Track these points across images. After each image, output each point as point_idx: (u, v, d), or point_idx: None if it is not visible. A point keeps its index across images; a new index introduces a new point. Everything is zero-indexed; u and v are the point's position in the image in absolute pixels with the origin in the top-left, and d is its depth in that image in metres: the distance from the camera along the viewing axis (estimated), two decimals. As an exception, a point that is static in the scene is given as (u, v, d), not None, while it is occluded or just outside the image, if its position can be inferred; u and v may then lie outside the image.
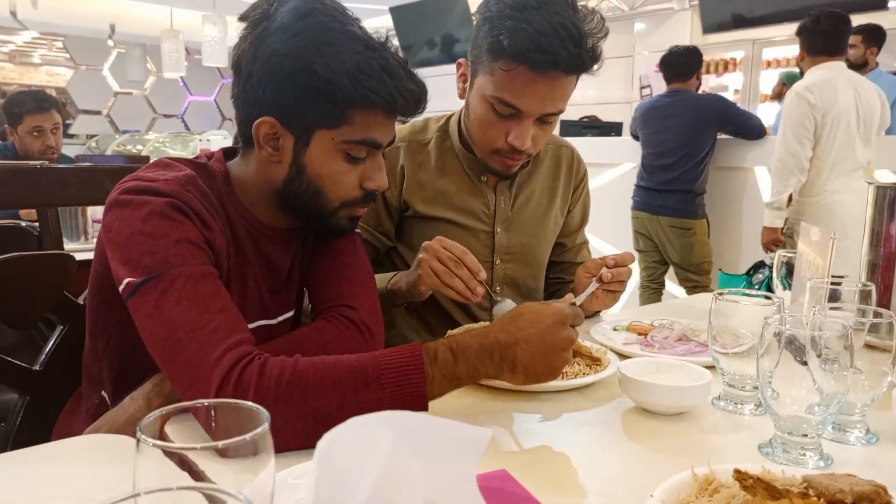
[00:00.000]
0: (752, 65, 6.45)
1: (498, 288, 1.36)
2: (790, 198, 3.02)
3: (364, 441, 0.43)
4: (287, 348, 0.90)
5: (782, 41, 5.92)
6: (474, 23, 1.20)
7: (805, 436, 0.75)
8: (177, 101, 10.64)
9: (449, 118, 1.36)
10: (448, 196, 1.30)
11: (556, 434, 0.83)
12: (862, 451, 0.79)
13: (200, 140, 7.15)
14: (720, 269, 3.54)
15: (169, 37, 7.75)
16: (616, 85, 7.30)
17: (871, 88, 3.00)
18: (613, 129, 4.92)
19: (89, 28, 8.87)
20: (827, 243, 1.10)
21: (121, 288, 0.79)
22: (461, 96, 1.25)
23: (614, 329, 1.24)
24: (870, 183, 1.23)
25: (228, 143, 7.01)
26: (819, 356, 0.76)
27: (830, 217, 2.89)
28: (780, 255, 1.30)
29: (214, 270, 0.83)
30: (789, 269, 1.28)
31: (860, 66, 3.72)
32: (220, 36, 7.37)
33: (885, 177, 3.16)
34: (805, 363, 0.77)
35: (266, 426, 0.44)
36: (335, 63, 0.83)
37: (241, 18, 0.90)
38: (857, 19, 4.14)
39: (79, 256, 1.17)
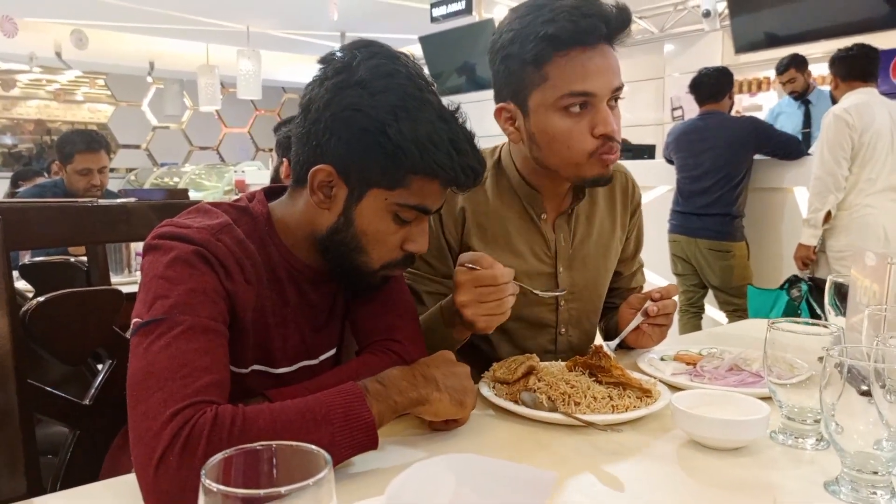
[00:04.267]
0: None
1: (563, 329, 1.31)
2: (828, 216, 3.09)
3: (429, 484, 0.42)
4: (332, 384, 0.90)
5: (816, 58, 5.84)
6: (497, 60, 1.16)
7: (875, 473, 0.71)
8: (212, 134, 10.93)
9: (499, 152, 1.30)
10: (508, 237, 1.25)
11: (611, 469, 0.81)
12: (935, 488, 0.75)
13: (235, 171, 7.32)
14: (750, 285, 3.48)
15: (205, 72, 7.99)
16: (647, 107, 7.27)
17: None
18: (646, 151, 4.88)
19: (129, 66, 9.19)
20: (884, 267, 1.06)
21: (131, 326, 0.79)
22: (516, 140, 1.20)
23: (661, 359, 1.21)
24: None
25: (262, 173, 7.17)
26: (883, 387, 0.73)
27: (863, 229, 3.04)
28: (830, 279, 1.26)
29: (221, 327, 0.81)
30: (841, 294, 1.24)
31: (806, 92, 4.34)
32: (255, 70, 7.57)
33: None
34: (867, 394, 0.74)
35: (328, 470, 0.44)
36: (408, 129, 0.83)
37: (322, 61, 0.91)
38: (886, 37, 4.15)
39: (124, 290, 1.19)
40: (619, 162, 1.22)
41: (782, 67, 4.37)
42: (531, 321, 1.29)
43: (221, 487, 0.42)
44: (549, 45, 1.08)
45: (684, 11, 6.38)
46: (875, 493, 0.71)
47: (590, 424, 0.91)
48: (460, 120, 0.90)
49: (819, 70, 6.05)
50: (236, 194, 6.83)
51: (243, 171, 7.23)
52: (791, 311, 3.28)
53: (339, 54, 0.90)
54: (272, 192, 1.00)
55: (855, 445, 0.73)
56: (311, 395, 0.78)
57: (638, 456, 0.85)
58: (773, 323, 0.92)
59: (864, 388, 0.75)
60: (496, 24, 6.32)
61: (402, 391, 0.83)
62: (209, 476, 0.43)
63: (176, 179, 7.77)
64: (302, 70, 10.06)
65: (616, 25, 1.10)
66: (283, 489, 0.42)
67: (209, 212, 0.90)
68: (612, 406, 0.95)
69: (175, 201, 1.35)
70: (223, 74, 8.18)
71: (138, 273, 2.46)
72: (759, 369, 1.11)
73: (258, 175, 7.01)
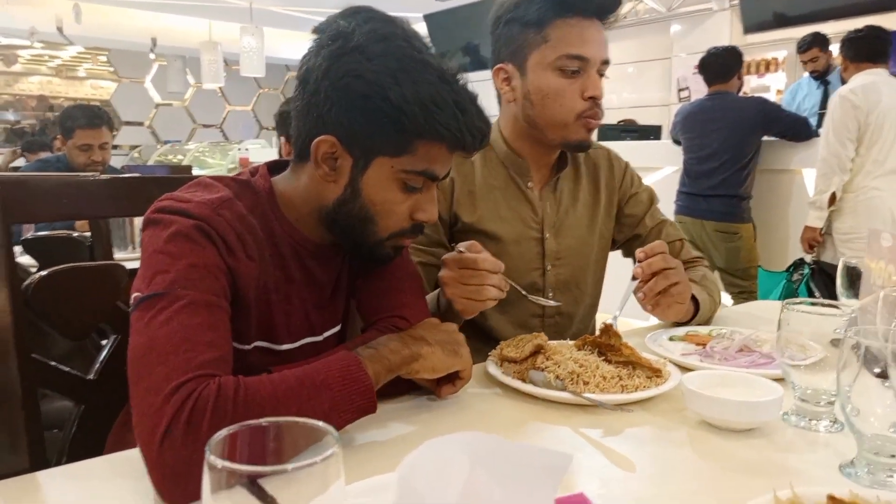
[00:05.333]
0: (795, 64, 6.28)
1: (551, 293, 1.35)
2: (833, 198, 3.08)
3: (442, 464, 0.40)
4: None
5: (834, 39, 5.77)
6: (500, 24, 1.28)
7: (893, 456, 0.70)
8: (216, 112, 10.85)
9: None
10: (496, 205, 1.32)
11: (622, 451, 0.79)
12: (952, 472, 0.74)
13: (239, 149, 7.28)
14: (760, 267, 3.47)
15: (208, 49, 7.92)
16: (653, 87, 7.18)
17: None
18: (652, 132, 4.83)
19: (132, 42, 9.11)
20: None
21: (131, 301, 0.78)
22: (510, 100, 1.30)
23: (670, 339, 1.20)
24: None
25: (267, 151, 7.13)
26: (900, 369, 0.71)
27: (870, 212, 3.02)
28: (843, 261, 1.24)
29: (222, 303, 0.79)
30: (853, 276, 1.22)
31: (826, 72, 4.26)
32: (258, 46, 7.50)
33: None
34: (882, 376, 0.72)
35: (337, 447, 0.42)
36: (410, 92, 0.81)
37: (316, 31, 0.89)
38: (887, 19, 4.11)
39: (128, 266, 1.18)
40: (598, 142, 1.36)
41: (805, 45, 4.32)
42: (519, 286, 1.29)
43: (227, 464, 0.41)
44: (552, 8, 1.20)
45: (693, -10, 6.29)
46: (892, 477, 0.70)
47: (599, 404, 0.90)
48: (461, 81, 0.87)
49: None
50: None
51: (247, 149, 7.19)
52: (789, 295, 3.28)
53: (332, 22, 0.88)
54: (276, 166, 0.98)
55: (872, 428, 0.71)
56: (309, 364, 0.78)
57: (648, 437, 0.84)
58: (787, 303, 0.90)
59: (878, 370, 0.73)
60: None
61: (394, 350, 0.84)
62: (214, 452, 0.42)
63: (180, 157, 7.73)
64: (306, 47, 9.97)
65: (610, 2, 1.24)
66: (289, 466, 0.41)
67: (210, 186, 0.88)
68: (622, 386, 0.94)
69: (179, 176, 1.33)
70: (226, 52, 8.09)
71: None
72: (769, 350, 1.09)
73: (262, 153, 6.97)
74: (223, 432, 0.44)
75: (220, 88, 10.17)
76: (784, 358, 0.89)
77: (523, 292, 1.16)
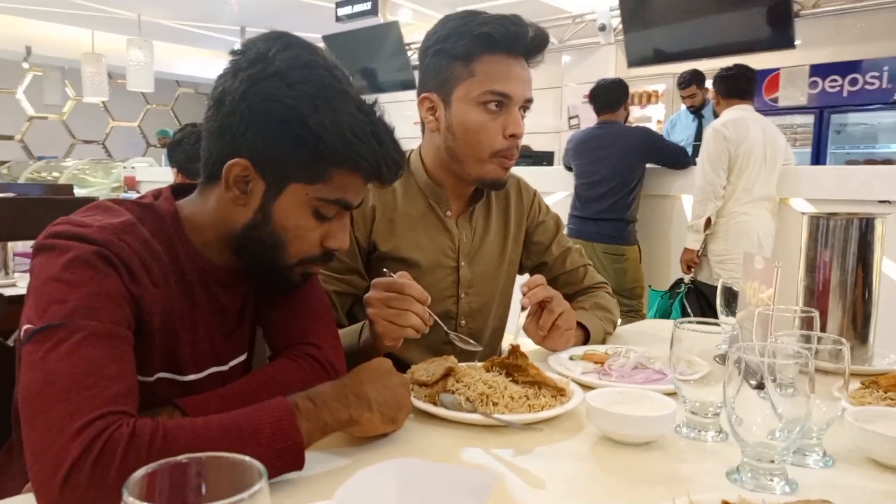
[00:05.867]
0: (673, 96, 6.78)
1: (463, 321, 1.38)
2: (708, 222, 3.34)
3: (374, 489, 0.41)
4: (248, 391, 0.86)
5: (708, 75, 6.26)
6: (429, 54, 1.28)
7: (772, 462, 0.77)
8: (98, 127, 10.25)
9: (408, 154, 1.37)
10: (415, 234, 1.33)
11: (533, 469, 0.82)
12: (821, 473, 0.82)
13: (125, 167, 6.89)
14: (650, 286, 3.70)
15: (90, 60, 7.49)
16: (546, 115, 7.53)
17: (775, 127, 3.43)
18: (545, 158, 5.05)
19: (2, 49, 8.45)
20: (772, 271, 1.15)
21: (21, 335, 0.73)
22: (434, 129, 1.30)
23: (570, 358, 1.26)
24: (804, 213, 1.31)
25: (154, 170, 6.79)
26: (774, 381, 0.79)
27: (740, 235, 3.30)
28: (721, 283, 1.35)
29: (126, 333, 0.76)
30: (730, 296, 1.34)
31: (702, 107, 4.64)
32: (146, 60, 7.17)
33: (799, 205, 3.40)
34: (760, 387, 0.79)
35: (262, 483, 0.42)
36: (329, 120, 0.81)
37: (234, 53, 0.87)
38: (766, 58, 4.51)
39: (6, 292, 1.09)
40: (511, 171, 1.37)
41: (685, 83, 4.68)
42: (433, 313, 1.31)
43: (145, 505, 0.39)
44: (481, 44, 1.21)
45: (582, 24, 6.64)
46: (772, 480, 0.77)
47: (508, 424, 0.93)
48: (378, 113, 0.88)
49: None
50: (125, 192, 6.43)
51: (133, 168, 6.81)
52: (664, 313, 3.51)
53: (252, 45, 0.87)
54: (180, 189, 0.95)
55: (753, 437, 0.78)
56: (238, 409, 0.74)
57: (556, 454, 0.87)
58: (677, 323, 0.98)
59: (755, 382, 0.81)
60: (401, 27, 6.30)
61: (334, 412, 0.81)
62: (132, 492, 0.40)
63: (56, 174, 7.20)
64: (199, 63, 9.64)
65: (537, 42, 1.26)
66: (216, 504, 0.40)
67: (110, 209, 0.84)
68: (529, 405, 0.97)
69: (66, 197, 1.26)
70: (111, 64, 7.69)
71: (18, 275, 2.27)
72: (661, 367, 1.17)
73: (150, 172, 6.64)
74: (142, 471, 0.42)
75: (103, 102, 9.62)
76: (675, 374, 0.95)
77: (448, 332, 1.15)
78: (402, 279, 1.06)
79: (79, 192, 5.04)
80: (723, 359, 0.99)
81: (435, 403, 0.98)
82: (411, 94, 1.96)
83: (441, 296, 1.35)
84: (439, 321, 1.11)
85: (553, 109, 7.58)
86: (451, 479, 0.44)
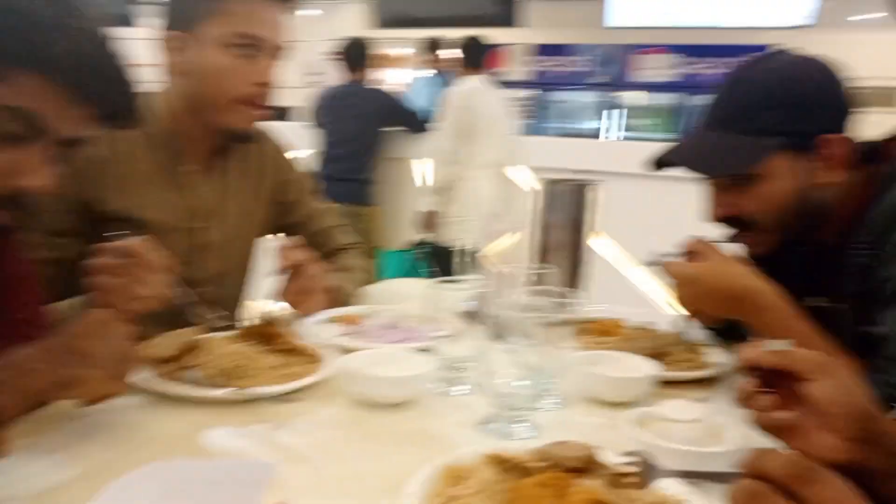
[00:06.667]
0: (417, 62, 6.99)
1: (205, 289, 1.21)
2: (445, 185, 3.54)
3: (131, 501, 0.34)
4: None
5: (449, 44, 6.56)
6: None
7: (517, 409, 0.83)
8: None
9: (148, 100, 1.18)
10: (148, 190, 1.17)
11: (293, 443, 0.77)
12: (554, 415, 0.91)
13: None
14: (381, 247, 3.82)
15: None
16: (285, 70, 7.23)
17: (505, 98, 3.72)
18: (285, 113, 4.87)
19: None
20: (506, 232, 1.24)
21: None
22: (174, 72, 1.17)
23: (325, 321, 1.22)
24: (542, 177, 1.43)
25: None
26: (517, 335, 0.85)
27: (469, 198, 3.54)
28: (459, 244, 1.44)
29: None
30: (468, 256, 1.42)
31: (442, 74, 4.55)
32: None
33: (521, 171, 3.78)
34: (505, 341, 0.85)
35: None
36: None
37: None
38: (490, 33, 4.90)
39: None
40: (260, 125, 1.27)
41: (426, 48, 4.82)
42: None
43: None
44: None
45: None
46: (519, 426, 0.83)
47: (262, 397, 0.87)
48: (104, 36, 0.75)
49: (450, 53, 6.82)
50: None
51: None
52: (411, 272, 3.68)
53: None
54: None
55: (501, 387, 0.83)
56: None
57: (315, 423, 0.84)
58: (429, 283, 1.00)
59: (497, 335, 0.86)
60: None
61: (41, 374, 0.68)
62: None
63: None
64: None
65: None
66: None
67: None
68: (284, 375, 0.92)
69: None
70: None
71: None
72: (414, 325, 1.20)
73: None
74: None
75: None
76: (429, 331, 0.98)
77: (190, 301, 1.03)
78: (138, 243, 0.91)
79: None
80: (471, 315, 1.06)
81: (177, 382, 0.88)
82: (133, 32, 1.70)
83: (178, 261, 1.20)
84: (181, 290, 0.99)
85: (293, 64, 7.32)
86: (223, 476, 0.39)
